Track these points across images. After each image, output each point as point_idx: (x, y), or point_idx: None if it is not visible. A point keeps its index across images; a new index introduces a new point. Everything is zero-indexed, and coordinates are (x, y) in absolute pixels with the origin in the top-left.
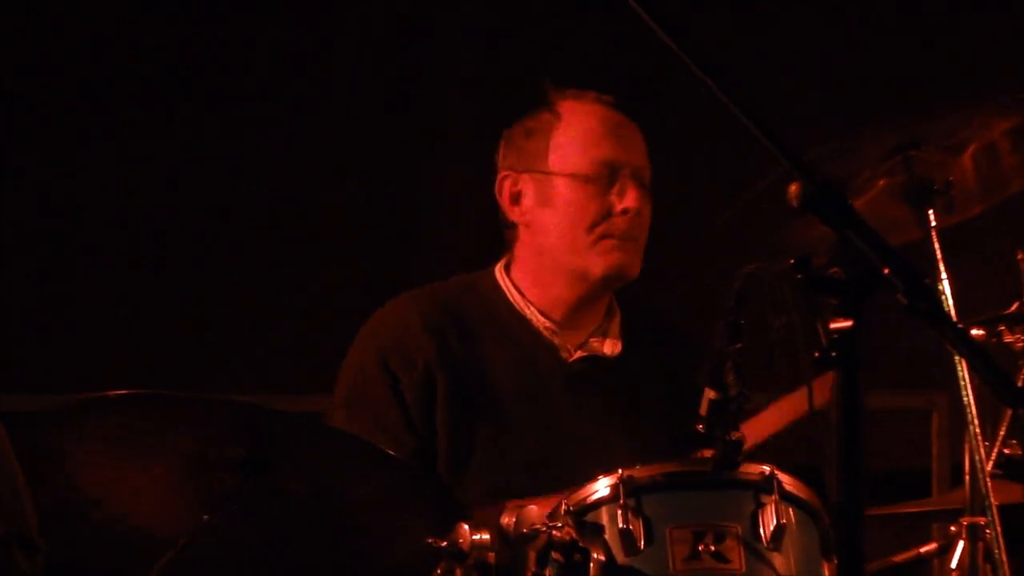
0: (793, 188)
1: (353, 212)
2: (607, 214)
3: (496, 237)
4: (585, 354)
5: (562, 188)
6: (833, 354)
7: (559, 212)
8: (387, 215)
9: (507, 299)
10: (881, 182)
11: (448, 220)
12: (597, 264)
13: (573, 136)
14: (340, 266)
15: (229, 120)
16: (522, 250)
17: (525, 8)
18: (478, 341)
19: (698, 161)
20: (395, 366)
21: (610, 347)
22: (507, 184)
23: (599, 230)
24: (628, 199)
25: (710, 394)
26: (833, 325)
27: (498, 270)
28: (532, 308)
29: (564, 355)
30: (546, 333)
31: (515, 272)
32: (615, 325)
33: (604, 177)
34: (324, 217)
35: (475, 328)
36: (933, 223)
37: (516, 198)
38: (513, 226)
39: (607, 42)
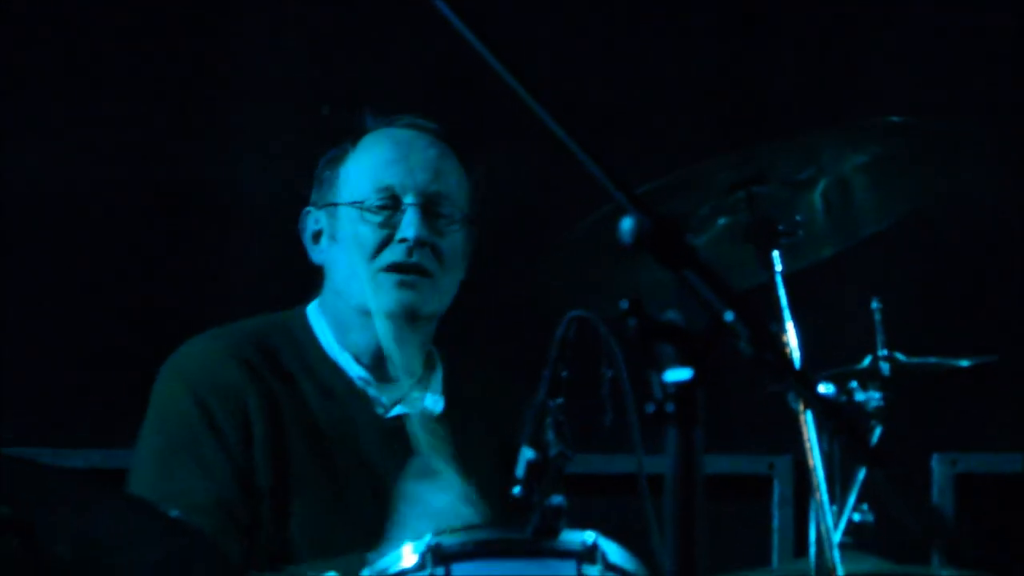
0: (625, 224)
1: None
2: (387, 244)
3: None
4: (403, 411)
5: (346, 220)
6: (668, 410)
7: (344, 247)
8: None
9: (318, 343)
10: (722, 220)
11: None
12: (379, 300)
13: (361, 163)
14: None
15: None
16: (326, 293)
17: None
18: (293, 381)
19: (532, 190)
20: (210, 403)
21: (431, 403)
22: (308, 221)
23: (380, 262)
24: (406, 227)
25: (528, 453)
26: (669, 376)
27: (311, 310)
28: (345, 355)
29: (380, 410)
30: (359, 383)
31: (324, 316)
32: (437, 378)
33: (385, 204)
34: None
35: (288, 368)
36: (779, 266)
37: (317, 236)
38: (318, 266)
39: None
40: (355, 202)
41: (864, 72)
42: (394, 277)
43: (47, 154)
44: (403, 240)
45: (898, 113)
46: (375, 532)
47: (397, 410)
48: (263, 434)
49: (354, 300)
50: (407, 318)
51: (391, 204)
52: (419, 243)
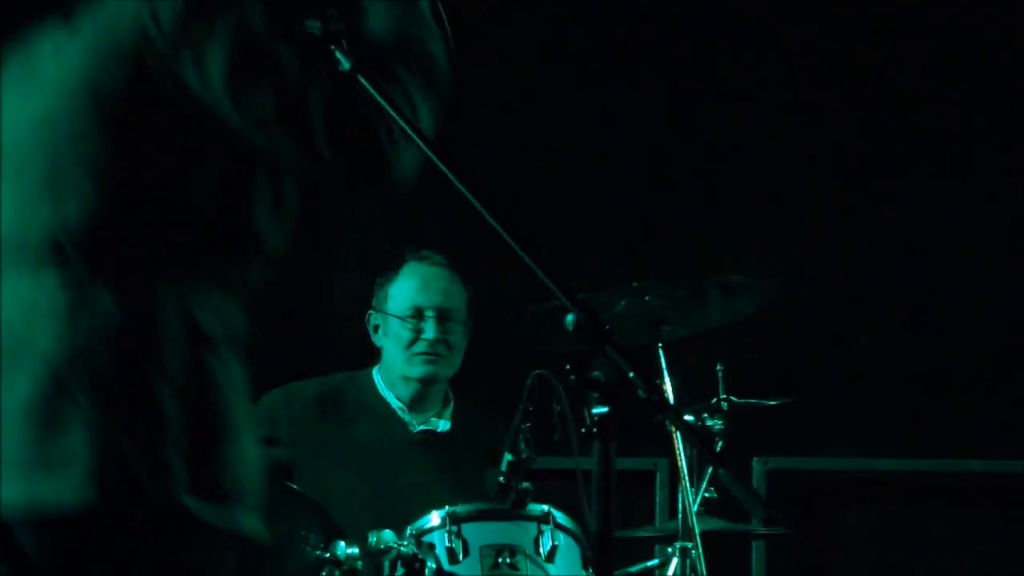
0: (568, 318)
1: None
2: (416, 340)
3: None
4: (425, 429)
5: (392, 324)
6: (595, 431)
7: (391, 340)
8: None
9: (375, 389)
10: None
11: (342, 334)
12: (413, 371)
13: (400, 289)
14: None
15: None
16: (383, 364)
17: None
18: (350, 416)
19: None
20: (283, 426)
21: (443, 426)
22: (370, 319)
23: (413, 351)
24: (428, 332)
25: (508, 457)
26: (595, 411)
27: (375, 371)
28: (391, 395)
29: (410, 429)
30: (399, 412)
31: (381, 376)
32: (449, 410)
33: (415, 318)
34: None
35: (350, 407)
36: (661, 343)
37: (376, 329)
38: (377, 347)
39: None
40: (397, 315)
41: (718, 239)
42: (423, 358)
43: None
44: (427, 339)
45: (737, 273)
46: (400, 512)
47: (421, 427)
48: (321, 455)
49: (397, 371)
50: (429, 382)
51: (418, 316)
52: (436, 341)
